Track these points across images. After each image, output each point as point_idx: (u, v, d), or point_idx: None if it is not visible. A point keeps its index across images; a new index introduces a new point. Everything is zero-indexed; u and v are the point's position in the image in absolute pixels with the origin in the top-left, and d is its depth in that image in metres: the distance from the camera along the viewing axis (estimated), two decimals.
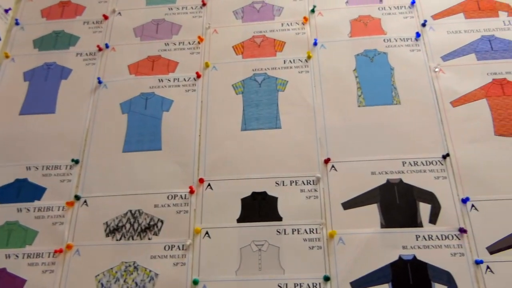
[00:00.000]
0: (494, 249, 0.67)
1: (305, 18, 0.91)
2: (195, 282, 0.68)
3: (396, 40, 0.87)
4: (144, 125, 0.83)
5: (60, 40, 0.96)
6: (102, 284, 0.69)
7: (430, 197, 0.71)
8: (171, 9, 0.97)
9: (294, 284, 0.67)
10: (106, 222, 0.74)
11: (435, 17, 0.89)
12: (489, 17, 0.88)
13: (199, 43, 0.92)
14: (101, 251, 0.72)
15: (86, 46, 0.94)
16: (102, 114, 0.85)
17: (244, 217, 0.73)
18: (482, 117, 0.77)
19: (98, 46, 0.93)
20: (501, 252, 0.66)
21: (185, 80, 0.87)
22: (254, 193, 0.75)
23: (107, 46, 0.93)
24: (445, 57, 0.84)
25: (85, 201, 0.77)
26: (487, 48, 0.84)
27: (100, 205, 0.76)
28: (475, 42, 0.85)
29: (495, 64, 0.82)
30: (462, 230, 0.68)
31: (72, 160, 0.80)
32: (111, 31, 0.96)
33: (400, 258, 0.67)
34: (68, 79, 0.90)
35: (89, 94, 0.88)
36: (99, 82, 0.88)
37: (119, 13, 0.98)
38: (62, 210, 0.76)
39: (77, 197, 0.77)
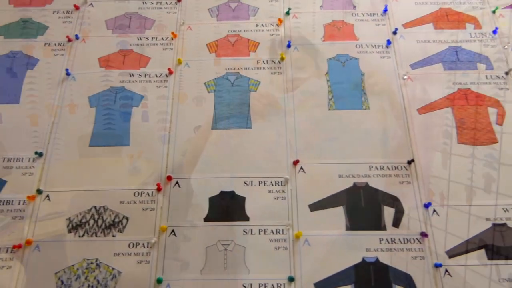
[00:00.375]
0: (452, 253, 0.69)
1: (279, 20, 0.92)
2: (159, 281, 0.67)
3: (368, 47, 0.88)
4: (112, 120, 0.82)
5: (27, 29, 0.92)
6: (62, 281, 0.67)
7: (394, 201, 0.73)
8: (145, 3, 0.96)
9: (259, 284, 0.67)
10: (69, 218, 0.73)
11: (406, 25, 0.91)
12: (457, 28, 0.91)
13: (172, 39, 0.91)
14: (62, 247, 0.70)
15: (55, 36, 0.91)
16: (69, 107, 0.83)
17: (211, 216, 0.72)
18: (446, 125, 0.80)
19: (67, 36, 0.90)
20: (459, 256, 0.69)
21: (156, 76, 0.86)
22: (222, 192, 0.74)
23: (77, 37, 0.91)
24: (414, 65, 0.86)
25: (47, 196, 0.74)
26: (454, 58, 0.87)
27: (63, 200, 0.74)
28: (443, 52, 0.88)
29: (460, 74, 0.85)
30: (424, 234, 0.70)
31: (36, 153, 0.78)
32: (82, 22, 0.93)
33: (363, 260, 0.69)
34: (34, 69, 0.87)
35: (56, 86, 0.85)
36: (68, 74, 0.86)
37: (91, 4, 0.96)
38: (23, 204, 0.74)
39: (39, 191, 0.74)
